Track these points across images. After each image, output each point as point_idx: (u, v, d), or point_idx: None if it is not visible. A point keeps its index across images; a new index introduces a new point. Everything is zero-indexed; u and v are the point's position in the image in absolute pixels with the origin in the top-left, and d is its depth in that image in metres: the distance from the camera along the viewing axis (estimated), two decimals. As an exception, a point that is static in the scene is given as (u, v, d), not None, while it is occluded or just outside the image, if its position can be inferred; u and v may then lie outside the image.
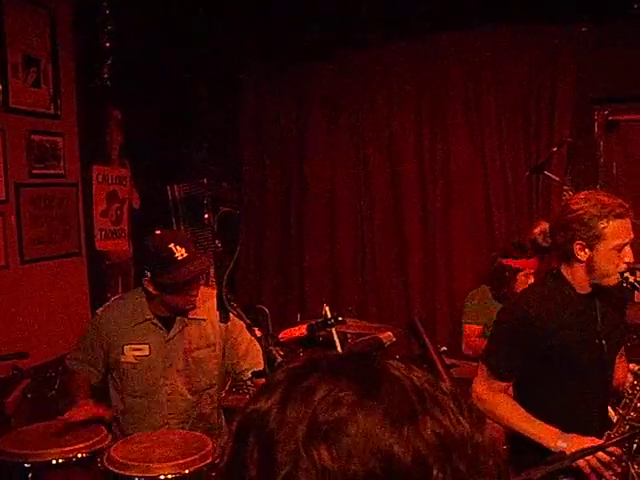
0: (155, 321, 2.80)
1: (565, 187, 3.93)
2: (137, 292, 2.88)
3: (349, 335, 3.32)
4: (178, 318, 2.81)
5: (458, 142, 4.83)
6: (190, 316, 2.81)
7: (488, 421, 2.69)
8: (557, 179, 4.03)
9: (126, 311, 2.83)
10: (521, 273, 3.98)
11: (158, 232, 2.82)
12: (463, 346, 4.09)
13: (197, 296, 2.75)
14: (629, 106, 4.69)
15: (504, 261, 4.04)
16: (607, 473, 2.15)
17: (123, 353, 2.78)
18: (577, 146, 4.65)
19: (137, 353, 2.78)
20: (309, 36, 4.83)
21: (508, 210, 4.78)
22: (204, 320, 2.83)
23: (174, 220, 5.12)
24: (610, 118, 4.72)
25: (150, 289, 2.72)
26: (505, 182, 4.78)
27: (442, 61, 4.82)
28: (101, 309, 2.91)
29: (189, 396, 2.81)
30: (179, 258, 2.62)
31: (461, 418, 0.71)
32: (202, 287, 2.84)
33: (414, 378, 0.73)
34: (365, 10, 4.55)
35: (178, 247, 2.64)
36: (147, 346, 2.78)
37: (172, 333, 2.80)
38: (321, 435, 0.67)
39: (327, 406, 0.69)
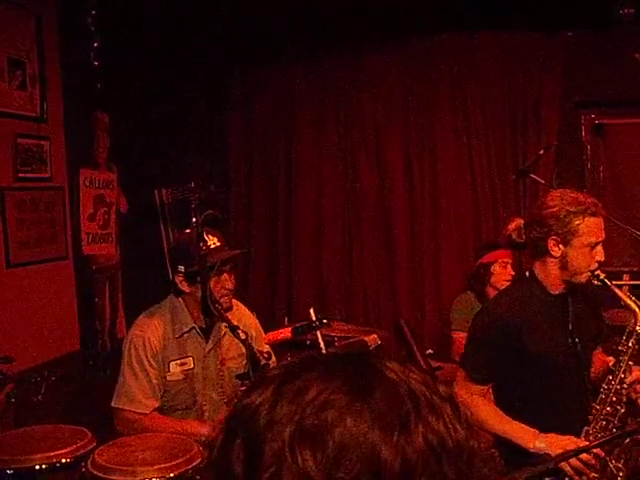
0: (198, 330, 2.71)
1: (552, 190, 3.94)
2: (171, 302, 2.75)
3: (336, 338, 3.32)
4: (215, 328, 2.73)
5: (445, 146, 4.86)
6: (221, 326, 2.74)
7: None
8: (543, 182, 4.05)
9: (167, 323, 2.70)
10: (494, 265, 4.05)
11: (188, 231, 2.76)
12: (453, 353, 4.10)
13: (232, 290, 2.67)
14: (616, 110, 4.73)
15: (477, 263, 4.12)
16: (589, 472, 2.17)
17: (169, 370, 2.67)
18: (564, 150, 4.68)
19: (183, 368, 2.68)
20: (296, 41, 4.85)
21: (495, 214, 4.81)
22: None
23: (162, 224, 5.11)
24: (597, 122, 4.75)
25: (184, 287, 2.65)
26: (492, 186, 4.80)
27: (429, 66, 4.85)
28: (139, 330, 2.70)
29: (223, 406, 2.74)
30: (212, 246, 2.59)
31: (457, 424, 0.70)
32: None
33: (412, 382, 0.71)
34: (352, 15, 4.56)
35: (210, 236, 2.61)
36: (191, 359, 2.69)
37: (210, 344, 2.73)
38: (307, 438, 0.66)
39: (316, 408, 0.67)
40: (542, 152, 4.14)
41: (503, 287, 4.04)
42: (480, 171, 4.82)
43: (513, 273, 4.10)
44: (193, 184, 4.91)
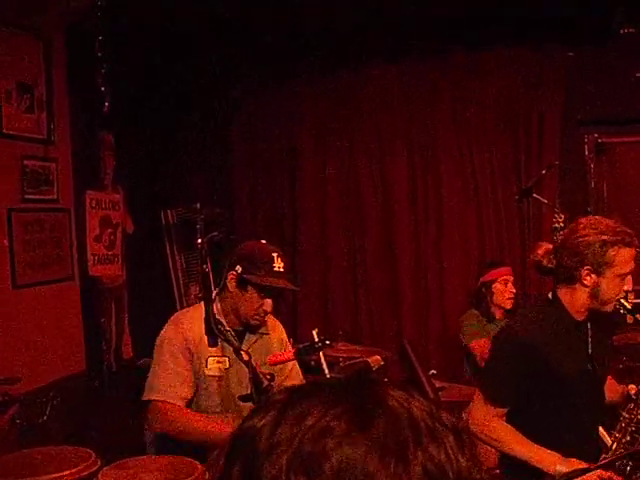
0: (232, 333, 2.71)
1: (555, 210, 3.95)
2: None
3: (341, 359, 3.32)
4: (247, 333, 2.75)
5: (448, 166, 4.88)
6: (257, 330, 2.76)
7: (481, 445, 2.69)
8: (546, 202, 4.06)
9: (202, 322, 2.61)
10: (495, 283, 4.06)
11: (264, 242, 2.77)
12: (478, 362, 4.01)
13: (268, 312, 2.69)
14: (618, 128, 4.74)
15: (478, 282, 4.12)
16: None
17: (207, 366, 2.67)
18: (567, 169, 4.70)
19: (220, 365, 2.68)
20: (299, 61, 4.89)
21: (499, 233, 4.82)
22: (268, 334, 2.82)
23: (167, 245, 5.13)
24: (600, 141, 4.76)
25: (232, 285, 2.65)
26: (496, 205, 4.81)
27: (431, 86, 4.89)
28: (174, 325, 2.70)
29: None
30: (275, 268, 2.60)
31: (459, 454, 0.69)
32: None
33: (414, 410, 0.70)
34: (354, 34, 4.61)
35: (279, 260, 2.62)
36: (227, 359, 2.67)
37: (245, 347, 2.69)
38: (304, 465, 0.66)
39: (315, 434, 0.67)
40: (544, 171, 4.15)
41: (506, 305, 4.05)
42: (484, 190, 4.83)
43: (514, 290, 4.09)
44: (198, 205, 4.95)
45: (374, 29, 4.59)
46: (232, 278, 2.65)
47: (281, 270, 2.61)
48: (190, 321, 2.69)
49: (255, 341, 2.77)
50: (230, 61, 4.95)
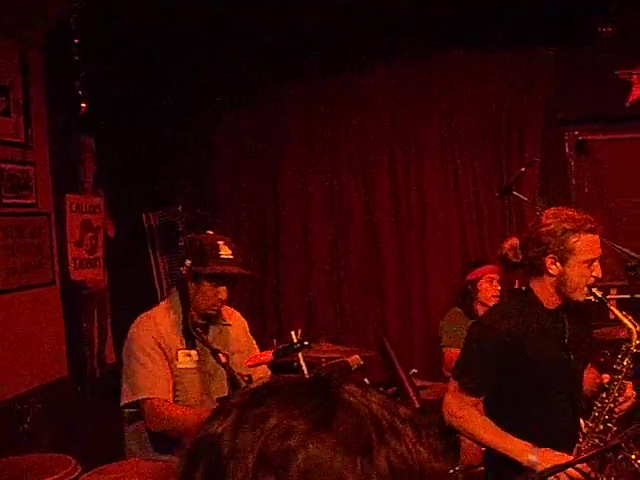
0: (198, 327, 2.73)
1: (536, 207, 3.96)
2: (168, 302, 2.80)
3: (324, 359, 3.31)
4: (210, 325, 2.78)
5: (431, 164, 4.90)
6: (219, 321, 2.79)
7: (467, 441, 2.69)
8: (526, 199, 4.07)
9: (165, 319, 2.73)
10: (481, 281, 4.08)
11: (211, 233, 2.80)
12: (444, 370, 4.07)
13: (225, 301, 2.71)
14: (599, 126, 4.77)
15: (464, 280, 4.14)
16: None
17: (177, 359, 2.69)
18: (549, 166, 4.72)
19: (189, 358, 2.70)
20: (284, 62, 4.87)
21: (481, 231, 4.84)
22: (230, 325, 2.85)
23: (150, 248, 5.10)
24: (580, 138, 4.79)
25: (185, 277, 2.69)
26: (478, 203, 4.84)
27: (414, 86, 4.89)
28: (140, 327, 2.71)
29: None
30: (222, 256, 2.63)
31: (419, 446, 0.70)
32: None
33: (372, 405, 0.71)
34: (340, 36, 4.60)
35: (226, 248, 2.65)
36: (195, 351, 2.70)
37: (211, 338, 2.75)
38: (270, 466, 0.65)
39: (278, 435, 0.67)
40: (524, 169, 4.15)
41: (491, 303, 4.07)
42: (465, 189, 4.86)
43: (500, 288, 4.11)
44: (180, 207, 4.93)
45: (359, 31, 4.58)
46: (185, 271, 2.68)
47: (230, 257, 2.64)
48: (154, 320, 2.71)
49: (220, 332, 2.80)
50: (213, 60, 4.91)
